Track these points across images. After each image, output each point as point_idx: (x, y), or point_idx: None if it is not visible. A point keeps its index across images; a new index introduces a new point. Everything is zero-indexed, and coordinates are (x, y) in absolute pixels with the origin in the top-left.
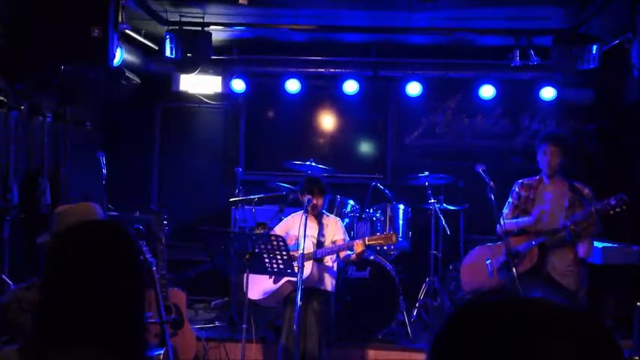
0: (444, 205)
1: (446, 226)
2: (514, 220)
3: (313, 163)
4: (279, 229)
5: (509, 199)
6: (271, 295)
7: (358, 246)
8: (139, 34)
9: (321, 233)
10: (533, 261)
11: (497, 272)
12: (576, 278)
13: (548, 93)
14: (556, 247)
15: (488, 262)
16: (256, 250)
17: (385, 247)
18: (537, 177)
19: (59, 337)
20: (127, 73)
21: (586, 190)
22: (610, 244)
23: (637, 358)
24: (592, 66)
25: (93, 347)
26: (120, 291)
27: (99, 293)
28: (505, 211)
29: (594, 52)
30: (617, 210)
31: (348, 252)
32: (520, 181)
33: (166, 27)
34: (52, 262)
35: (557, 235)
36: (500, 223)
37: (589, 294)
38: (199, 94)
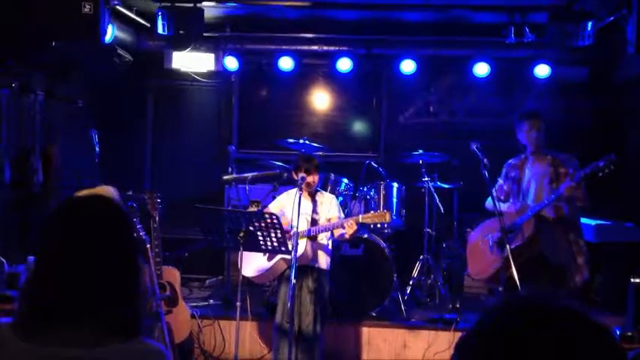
0: (438, 183)
1: (440, 204)
2: (501, 205)
3: (307, 142)
4: (273, 207)
5: (499, 181)
6: (265, 273)
7: (351, 225)
8: (131, 10)
9: (315, 211)
10: (531, 229)
11: (496, 248)
12: (567, 254)
13: (542, 70)
14: (546, 224)
15: (488, 237)
16: (250, 228)
17: (379, 225)
18: (523, 156)
19: (53, 312)
20: (118, 51)
21: (566, 167)
22: (603, 222)
23: (630, 333)
24: (587, 43)
25: (88, 322)
26: (115, 265)
27: (93, 268)
28: (492, 190)
29: (589, 28)
30: (607, 171)
31: (342, 230)
32: (509, 161)
33: (158, 3)
34: (46, 238)
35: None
36: (489, 200)
37: None
38: (192, 72)
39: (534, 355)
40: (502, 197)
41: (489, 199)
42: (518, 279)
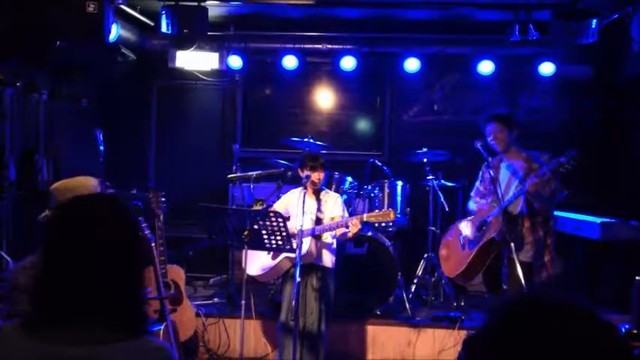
0: (443, 181)
1: (444, 202)
2: (476, 206)
3: (311, 140)
4: (277, 206)
5: (477, 182)
6: (269, 271)
7: (355, 224)
8: (135, 9)
9: (319, 210)
10: (498, 226)
11: (467, 244)
12: (532, 248)
13: (546, 68)
14: (515, 220)
15: (461, 236)
16: (255, 227)
17: (383, 224)
18: (498, 156)
19: (59, 310)
20: (122, 50)
21: (537, 163)
22: (608, 219)
23: (636, 331)
24: (591, 40)
25: (93, 321)
26: (119, 264)
27: (98, 267)
28: (472, 193)
29: (593, 26)
30: (568, 167)
31: (345, 229)
32: (487, 161)
33: (162, 2)
34: (51, 236)
35: (516, 200)
36: (470, 203)
37: (587, 270)
38: (196, 71)
39: (542, 353)
40: (477, 198)
41: (470, 201)
42: (484, 275)
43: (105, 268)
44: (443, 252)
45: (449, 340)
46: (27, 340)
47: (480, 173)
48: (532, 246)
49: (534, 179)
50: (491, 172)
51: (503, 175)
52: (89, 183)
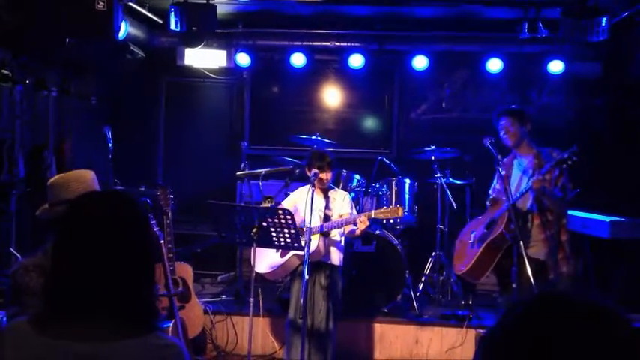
0: (451, 179)
1: (452, 200)
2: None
3: (319, 138)
4: (286, 204)
5: (494, 180)
6: (278, 269)
7: (363, 221)
8: (143, 7)
9: (327, 207)
10: (504, 222)
11: (476, 242)
12: (545, 246)
13: (556, 66)
14: (525, 218)
15: (473, 234)
16: (263, 224)
17: (391, 221)
18: (511, 154)
19: (70, 307)
20: (131, 47)
21: (545, 160)
22: (618, 218)
23: None
24: (601, 38)
25: (104, 317)
26: (130, 261)
27: (109, 264)
28: (490, 191)
29: (603, 24)
30: (570, 163)
31: (353, 227)
32: (501, 161)
33: (171, 0)
34: (64, 231)
35: (525, 197)
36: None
37: (596, 269)
38: (204, 69)
39: (558, 351)
40: (494, 196)
41: (489, 199)
42: (497, 274)
43: (116, 264)
44: (457, 250)
45: (457, 339)
46: (38, 337)
47: (497, 172)
48: (544, 244)
49: (538, 176)
50: (500, 170)
51: (516, 172)
52: (86, 176)
